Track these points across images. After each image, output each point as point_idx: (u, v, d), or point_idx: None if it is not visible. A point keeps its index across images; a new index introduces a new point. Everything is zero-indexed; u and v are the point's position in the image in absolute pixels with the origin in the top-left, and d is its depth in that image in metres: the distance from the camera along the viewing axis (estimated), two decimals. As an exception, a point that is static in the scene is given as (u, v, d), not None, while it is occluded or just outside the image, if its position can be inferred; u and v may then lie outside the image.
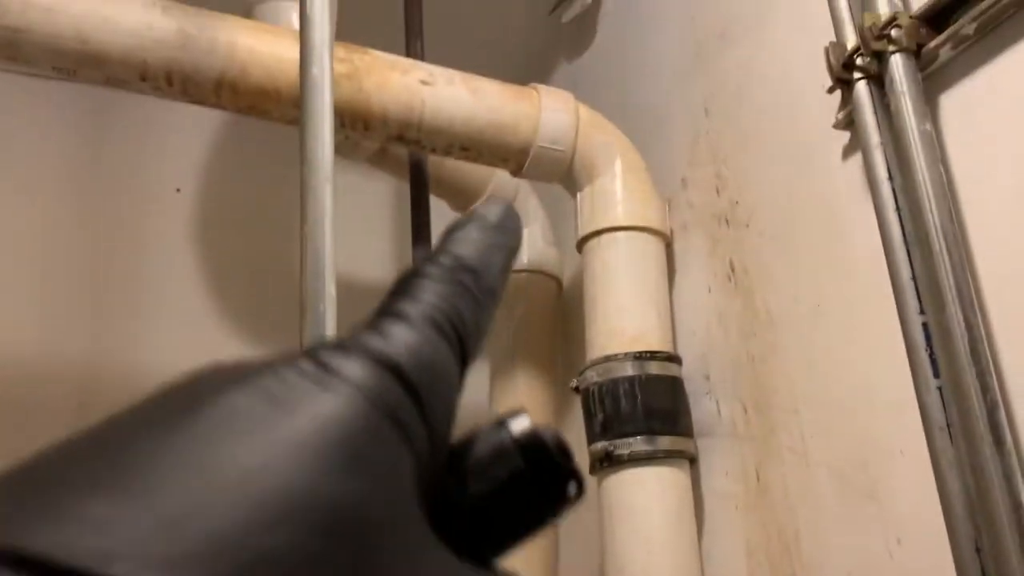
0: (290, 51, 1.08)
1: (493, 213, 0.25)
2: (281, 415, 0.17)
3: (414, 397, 0.19)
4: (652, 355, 1.20)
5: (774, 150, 1.16)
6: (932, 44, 0.90)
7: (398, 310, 0.21)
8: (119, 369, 1.61)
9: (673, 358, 1.22)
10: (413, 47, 1.56)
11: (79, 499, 0.15)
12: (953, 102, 0.90)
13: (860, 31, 0.92)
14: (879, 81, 0.93)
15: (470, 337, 0.22)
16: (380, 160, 1.55)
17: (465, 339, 0.22)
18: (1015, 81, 0.84)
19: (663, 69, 1.45)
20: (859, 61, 0.94)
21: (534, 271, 1.68)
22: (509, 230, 0.25)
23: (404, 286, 0.22)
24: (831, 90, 0.99)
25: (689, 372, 1.25)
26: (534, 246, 1.70)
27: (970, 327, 0.79)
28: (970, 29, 0.86)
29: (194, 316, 1.71)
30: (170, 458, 0.16)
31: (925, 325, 0.84)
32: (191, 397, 0.18)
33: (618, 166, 1.35)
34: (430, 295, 0.21)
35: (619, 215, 1.31)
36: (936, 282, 0.82)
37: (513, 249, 0.25)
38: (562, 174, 1.38)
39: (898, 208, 0.88)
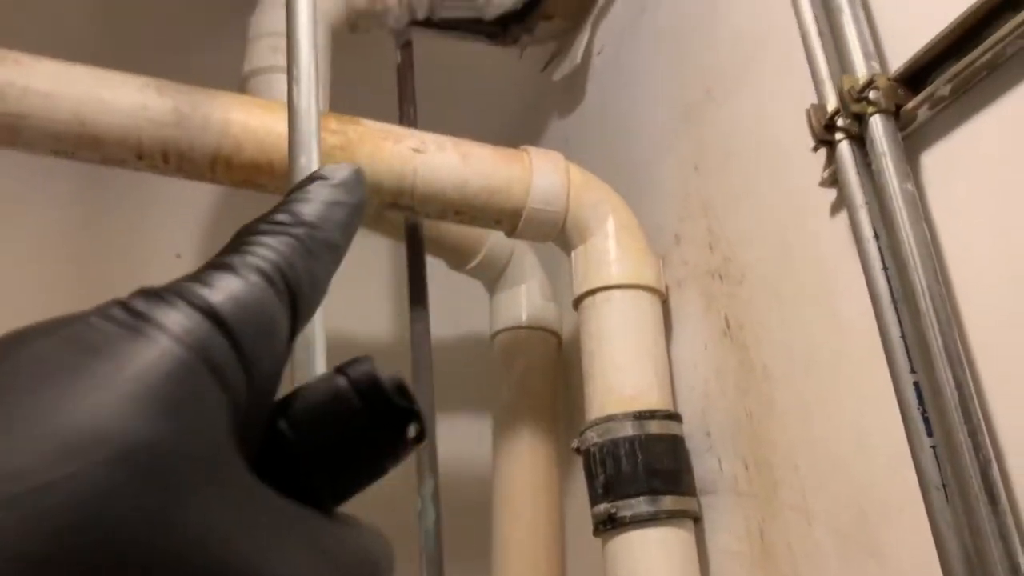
0: (282, 124, 1.10)
1: (338, 172, 0.25)
2: (88, 359, 0.17)
3: (232, 342, 0.19)
4: (652, 414, 1.20)
5: (764, 207, 1.17)
6: (910, 105, 0.91)
7: (225, 260, 0.21)
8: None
9: (673, 416, 1.23)
10: (406, 111, 1.59)
11: None
12: (934, 161, 0.91)
13: (839, 93, 0.94)
14: (861, 141, 0.94)
15: (302, 288, 0.22)
16: (377, 223, 1.57)
17: (296, 290, 0.22)
18: (991, 141, 0.85)
19: (652, 126, 1.47)
20: (840, 122, 0.95)
21: (533, 327, 1.69)
22: (352, 188, 0.25)
23: (237, 240, 0.23)
24: (815, 149, 1.01)
25: (690, 429, 1.25)
26: (532, 302, 1.71)
27: (959, 386, 0.79)
28: (945, 91, 0.88)
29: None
30: None
31: (916, 384, 0.84)
32: (3, 348, 0.18)
33: (611, 224, 1.36)
34: (261, 247, 0.22)
35: (613, 274, 1.32)
36: (925, 341, 0.83)
37: (356, 206, 0.25)
38: (556, 234, 1.40)
39: (885, 267, 0.89)
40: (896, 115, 0.92)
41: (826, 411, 1.02)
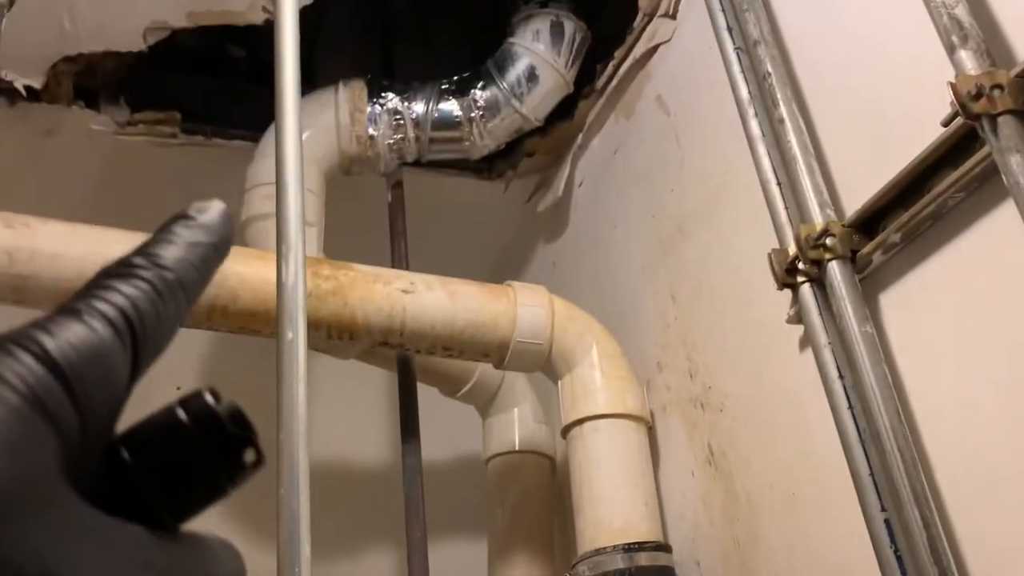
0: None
1: (203, 213, 0.27)
2: None
3: (66, 386, 0.21)
4: (640, 546, 1.22)
5: (737, 339, 1.22)
6: (865, 250, 0.97)
7: (73, 306, 0.23)
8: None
9: (662, 547, 1.24)
10: (397, 246, 1.66)
11: None
12: (891, 302, 0.97)
13: (797, 241, 1.00)
14: (821, 284, 0.99)
15: (147, 331, 0.24)
16: (369, 356, 1.61)
17: (140, 334, 0.23)
18: (940, 285, 0.91)
19: (632, 256, 1.54)
20: (800, 266, 1.01)
21: (526, 451, 1.71)
22: (214, 229, 0.26)
23: (91, 283, 0.24)
24: (780, 289, 1.06)
25: (681, 558, 1.26)
26: (525, 426, 1.73)
27: (927, 526, 0.82)
28: (896, 237, 0.94)
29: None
30: None
31: (887, 522, 0.87)
32: None
33: (595, 354, 1.41)
34: (110, 292, 0.23)
35: (599, 403, 1.36)
36: (893, 480, 0.86)
37: (216, 246, 0.26)
38: (542, 364, 1.44)
39: (851, 406, 0.93)
40: (853, 259, 0.98)
41: (807, 544, 1.04)
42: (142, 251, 0.25)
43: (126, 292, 0.24)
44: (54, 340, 0.22)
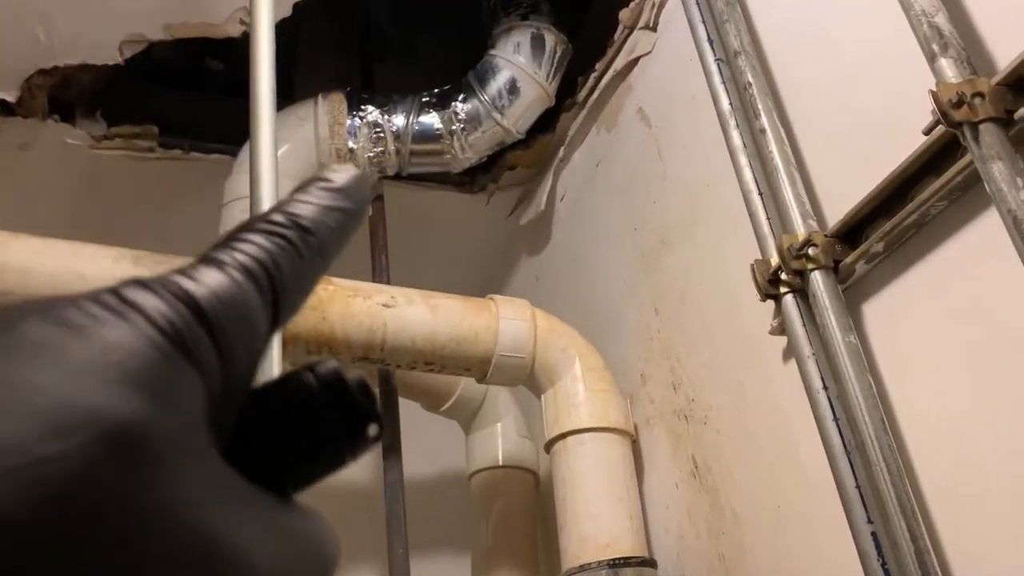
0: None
1: (339, 177, 0.26)
2: (74, 340, 0.18)
3: (210, 333, 0.20)
4: (625, 561, 1.20)
5: (720, 351, 1.21)
6: (848, 260, 0.96)
7: (213, 256, 0.22)
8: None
9: (647, 562, 1.23)
10: (378, 260, 1.64)
11: None
12: (874, 312, 0.96)
13: (779, 251, 0.99)
14: (804, 294, 0.99)
15: (286, 290, 0.23)
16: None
17: (280, 291, 0.23)
18: (924, 293, 0.90)
19: (614, 269, 1.53)
20: (783, 276, 1.00)
21: (510, 466, 1.69)
22: (351, 193, 0.26)
23: (231, 236, 0.23)
24: (763, 300, 1.05)
25: (666, 573, 1.24)
26: (508, 440, 1.72)
27: (914, 538, 0.81)
28: (879, 247, 0.93)
29: None
30: None
31: (874, 535, 0.85)
32: None
33: (578, 368, 1.40)
34: (251, 245, 0.23)
35: (583, 417, 1.34)
36: (879, 492, 0.85)
37: (353, 212, 0.26)
38: (525, 378, 1.42)
39: (836, 418, 0.92)
40: (835, 270, 0.97)
41: (793, 560, 1.03)
42: (281, 210, 0.24)
43: (267, 248, 0.23)
44: (198, 286, 0.21)
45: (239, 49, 1.61)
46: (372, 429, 0.24)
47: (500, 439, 1.71)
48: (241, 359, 0.22)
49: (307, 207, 0.24)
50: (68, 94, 1.59)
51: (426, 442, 1.71)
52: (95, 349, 0.18)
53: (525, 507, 1.68)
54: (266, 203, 1.01)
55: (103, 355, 0.18)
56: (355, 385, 0.24)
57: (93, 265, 1.17)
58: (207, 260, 0.22)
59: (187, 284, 0.21)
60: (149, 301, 0.20)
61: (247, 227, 0.24)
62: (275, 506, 0.22)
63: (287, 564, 0.21)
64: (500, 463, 1.69)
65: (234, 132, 1.59)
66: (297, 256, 0.23)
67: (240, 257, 0.22)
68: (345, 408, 0.24)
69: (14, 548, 0.16)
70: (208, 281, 0.21)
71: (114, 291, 0.20)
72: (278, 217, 0.24)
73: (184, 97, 1.78)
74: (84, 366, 0.18)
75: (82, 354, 0.18)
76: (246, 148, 1.54)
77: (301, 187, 0.25)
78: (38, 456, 0.16)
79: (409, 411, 1.54)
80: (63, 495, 0.16)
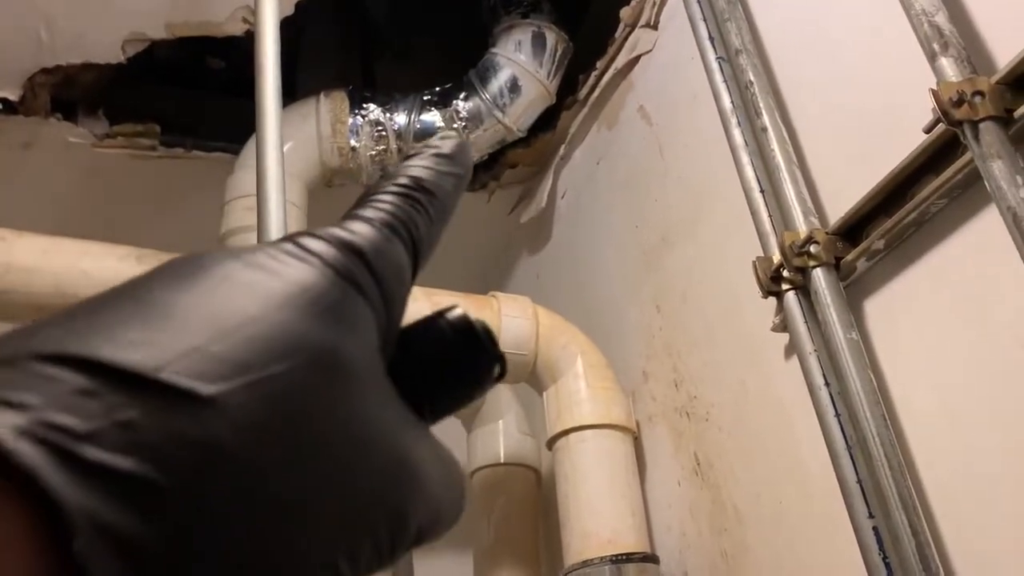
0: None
1: (448, 145, 0.29)
2: (270, 279, 0.21)
3: (374, 276, 0.23)
4: (628, 557, 1.21)
5: (721, 348, 1.22)
6: (849, 257, 0.97)
7: (361, 214, 0.25)
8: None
9: (649, 558, 1.23)
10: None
11: (120, 329, 0.19)
12: (876, 309, 0.97)
13: (781, 248, 1.00)
14: (806, 291, 0.99)
15: (421, 244, 0.26)
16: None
17: (418, 245, 0.26)
18: (925, 290, 0.91)
19: (616, 267, 1.53)
20: (785, 273, 1.00)
21: (511, 464, 1.70)
22: (460, 160, 0.29)
23: (367, 198, 0.26)
24: (764, 297, 1.06)
25: (668, 570, 1.25)
26: (510, 437, 1.72)
27: (915, 532, 0.82)
28: (880, 244, 0.94)
29: None
30: (182, 306, 0.20)
31: (876, 529, 0.86)
32: (195, 266, 0.22)
33: (580, 365, 1.40)
34: (389, 205, 0.25)
35: (585, 414, 1.35)
36: (880, 487, 0.85)
37: (463, 177, 0.29)
38: (527, 375, 1.43)
39: (837, 414, 0.92)
40: (837, 267, 0.98)
41: (795, 556, 1.03)
42: (406, 174, 0.27)
43: (404, 208, 0.26)
44: (358, 238, 0.24)
45: (240, 48, 1.62)
46: (496, 369, 0.27)
47: (502, 436, 1.72)
48: (397, 301, 0.24)
49: (428, 172, 0.27)
50: (70, 93, 1.59)
51: (427, 439, 1.72)
52: (292, 287, 0.21)
53: (527, 504, 1.68)
54: (273, 199, 1.02)
55: (300, 292, 0.21)
56: (481, 329, 0.27)
57: (98, 264, 1.18)
58: (355, 217, 0.25)
59: (349, 237, 0.24)
60: (324, 249, 0.23)
61: (380, 189, 0.26)
62: (430, 433, 0.25)
63: (447, 485, 0.24)
64: (502, 460, 1.69)
65: (236, 130, 1.60)
66: (427, 216, 0.26)
67: (383, 216, 0.25)
68: (473, 350, 0.27)
69: (258, 444, 0.18)
70: (365, 234, 0.24)
71: (293, 241, 0.23)
72: (406, 181, 0.27)
73: (186, 96, 1.78)
74: (287, 300, 0.21)
75: (282, 291, 0.21)
76: (248, 146, 1.55)
77: (417, 153, 0.28)
78: (271, 373, 0.19)
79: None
80: (294, 403, 0.19)
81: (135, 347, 0.18)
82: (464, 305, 1.23)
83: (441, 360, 0.27)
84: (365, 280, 0.23)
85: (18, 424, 0.16)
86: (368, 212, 0.25)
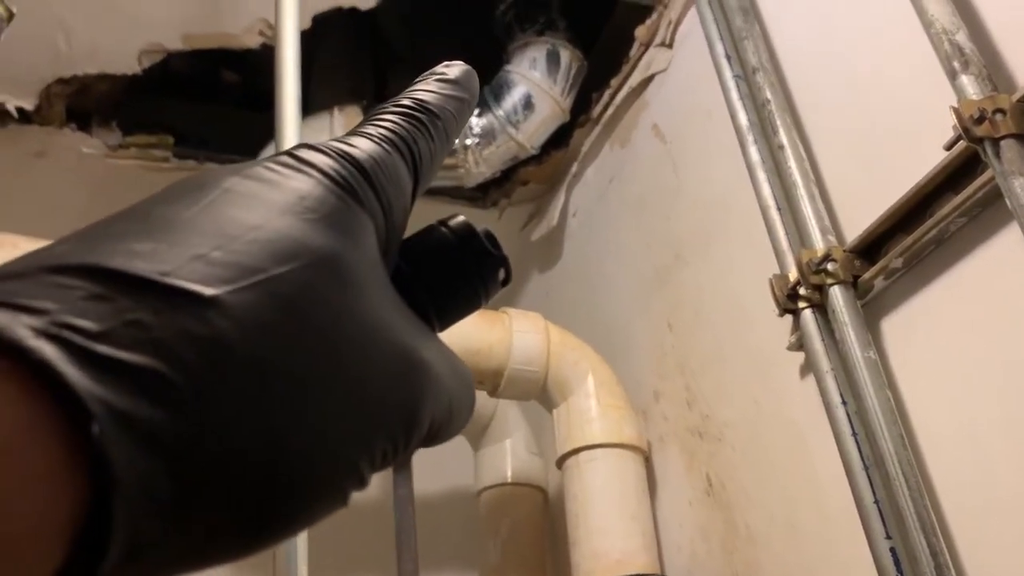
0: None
1: (453, 71, 0.29)
2: (269, 190, 0.22)
3: (372, 185, 0.24)
4: (638, 577, 1.19)
5: (735, 367, 1.21)
6: (867, 275, 0.96)
7: (363, 130, 0.26)
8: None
9: (659, 579, 1.22)
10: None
11: (127, 242, 0.19)
12: (893, 327, 0.96)
13: (799, 265, 0.99)
14: (823, 309, 0.99)
15: (422, 162, 0.26)
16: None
17: (419, 162, 0.26)
18: (943, 310, 0.90)
19: (627, 285, 1.53)
20: (802, 291, 1.00)
21: (518, 483, 1.68)
22: (465, 86, 0.29)
23: (371, 116, 0.27)
24: (780, 315, 1.05)
25: (677, 590, 1.23)
26: (517, 457, 1.71)
27: (935, 554, 0.81)
28: (898, 263, 0.93)
29: None
30: (185, 218, 0.21)
31: (893, 550, 0.85)
32: (197, 183, 0.22)
33: (590, 383, 1.39)
34: (392, 124, 0.26)
35: (596, 432, 1.34)
36: (898, 507, 0.84)
37: (468, 102, 0.29)
38: (537, 392, 1.42)
39: (854, 433, 0.91)
40: (854, 285, 0.97)
41: (809, 576, 1.02)
42: (409, 96, 0.27)
43: (405, 126, 0.26)
44: (356, 150, 0.24)
45: (254, 61, 1.62)
46: (501, 272, 0.28)
47: (509, 455, 1.70)
48: (397, 211, 0.25)
49: (432, 95, 0.28)
50: (85, 103, 1.60)
51: (433, 458, 1.70)
52: (291, 196, 0.22)
53: (534, 525, 1.67)
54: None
55: (299, 200, 0.22)
56: (484, 235, 0.27)
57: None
58: (358, 133, 0.25)
59: (347, 148, 0.24)
60: (321, 159, 0.23)
61: (385, 109, 0.27)
62: (434, 335, 0.26)
63: (457, 382, 0.25)
64: (509, 480, 1.68)
65: (248, 143, 1.60)
66: (429, 135, 0.27)
67: (384, 132, 0.26)
68: (478, 254, 0.27)
69: (263, 341, 0.19)
70: (363, 147, 0.24)
71: (290, 153, 0.24)
72: (409, 102, 0.27)
73: (199, 108, 1.79)
74: (286, 208, 0.21)
75: (282, 200, 0.22)
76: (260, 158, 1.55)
77: (422, 79, 0.29)
78: (272, 275, 0.20)
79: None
80: (296, 302, 0.20)
81: (142, 257, 0.19)
82: (476, 321, 1.22)
83: (445, 266, 0.27)
84: (363, 189, 0.23)
85: (36, 325, 0.17)
86: (369, 128, 0.26)
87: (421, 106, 0.27)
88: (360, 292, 0.22)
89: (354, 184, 0.23)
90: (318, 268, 0.21)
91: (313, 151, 0.24)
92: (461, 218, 0.28)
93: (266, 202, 0.21)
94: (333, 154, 0.24)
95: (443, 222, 0.28)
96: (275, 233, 0.21)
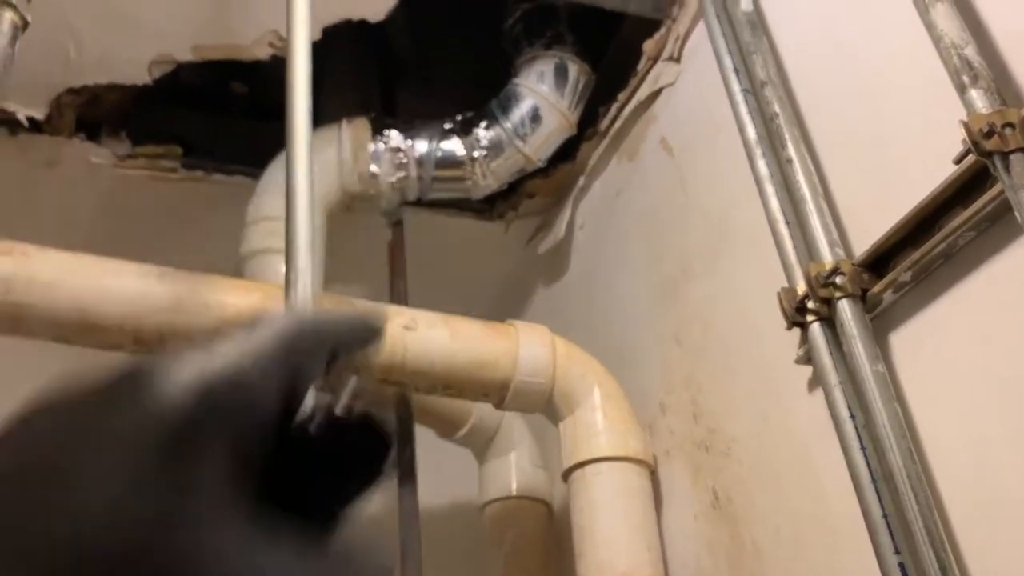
0: (273, 304, 1.16)
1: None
2: (88, 462, 0.21)
3: (217, 411, 0.23)
4: (643, 591, 1.19)
5: (743, 380, 1.20)
6: (875, 289, 0.96)
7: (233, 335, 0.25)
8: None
9: (664, 593, 1.21)
10: (397, 285, 1.64)
11: None
12: (901, 341, 0.96)
13: (807, 279, 0.99)
14: (831, 323, 0.98)
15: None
16: (367, 395, 1.59)
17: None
18: (952, 324, 0.90)
19: (634, 299, 1.53)
20: (810, 305, 1.00)
21: (523, 497, 1.68)
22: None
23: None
24: (788, 328, 1.05)
25: (683, 605, 1.23)
26: (522, 470, 1.70)
27: (944, 568, 0.80)
28: (907, 276, 0.93)
29: None
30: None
31: (902, 565, 0.84)
32: (33, 434, 0.22)
33: (597, 396, 1.39)
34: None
35: (602, 445, 1.33)
36: (906, 522, 0.84)
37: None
38: (543, 405, 1.42)
39: (863, 447, 0.91)
40: (863, 298, 0.97)
41: (817, 591, 1.01)
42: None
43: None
44: (212, 361, 0.24)
45: (264, 72, 1.63)
46: (389, 461, 0.29)
47: (514, 469, 1.70)
48: (252, 424, 0.24)
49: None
50: (95, 113, 1.61)
51: (438, 470, 1.70)
52: (106, 462, 0.21)
53: (538, 539, 1.66)
54: (301, 219, 1.02)
55: (111, 470, 0.21)
56: (377, 422, 0.29)
57: (118, 280, 1.18)
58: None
59: (204, 362, 0.23)
60: (172, 382, 0.23)
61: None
62: (305, 535, 0.24)
63: None
64: (514, 493, 1.68)
65: (256, 155, 1.61)
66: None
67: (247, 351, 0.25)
68: (369, 441, 0.29)
69: None
70: (222, 356, 0.24)
71: (128, 376, 0.23)
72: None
73: (208, 119, 1.80)
74: (100, 478, 0.21)
75: (94, 473, 0.21)
76: (269, 170, 1.56)
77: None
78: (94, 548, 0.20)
79: (422, 438, 1.53)
80: (116, 552, 0.20)
81: None
82: (483, 333, 1.22)
83: (339, 451, 0.28)
84: (201, 419, 0.23)
85: None
86: (231, 348, 0.25)
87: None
88: (195, 529, 0.21)
89: (192, 415, 0.23)
90: (145, 530, 0.21)
91: (167, 369, 0.23)
92: (360, 407, 0.29)
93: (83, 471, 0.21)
94: (175, 379, 0.23)
95: (332, 406, 0.29)
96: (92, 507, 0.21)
